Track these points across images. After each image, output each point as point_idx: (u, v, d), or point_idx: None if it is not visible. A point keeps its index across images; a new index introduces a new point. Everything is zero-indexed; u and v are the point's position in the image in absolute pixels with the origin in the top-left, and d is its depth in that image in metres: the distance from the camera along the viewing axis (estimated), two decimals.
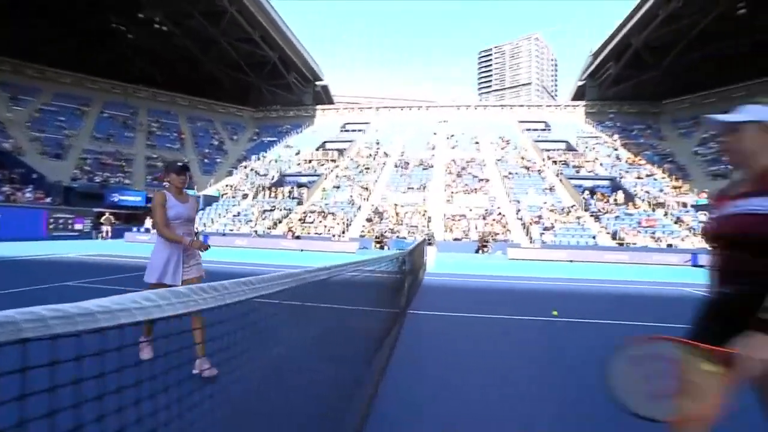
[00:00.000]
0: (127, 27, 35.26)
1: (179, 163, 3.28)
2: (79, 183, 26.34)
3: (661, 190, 24.59)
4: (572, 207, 22.69)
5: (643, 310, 6.51)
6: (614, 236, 19.45)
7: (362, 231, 21.30)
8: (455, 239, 20.36)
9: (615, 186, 25.33)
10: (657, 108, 38.37)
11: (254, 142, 40.24)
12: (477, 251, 19.13)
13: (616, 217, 21.22)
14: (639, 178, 26.58)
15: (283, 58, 38.96)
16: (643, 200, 22.90)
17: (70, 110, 33.47)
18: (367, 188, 26.35)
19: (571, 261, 16.84)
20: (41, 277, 7.56)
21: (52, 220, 20.53)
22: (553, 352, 4.05)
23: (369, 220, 22.40)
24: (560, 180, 26.68)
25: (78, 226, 21.92)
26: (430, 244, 14.90)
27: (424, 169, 29.54)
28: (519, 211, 22.61)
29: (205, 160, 35.72)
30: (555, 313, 5.77)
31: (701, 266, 14.95)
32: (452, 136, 36.29)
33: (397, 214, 22.71)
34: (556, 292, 8.22)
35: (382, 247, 19.68)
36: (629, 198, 22.97)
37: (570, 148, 32.45)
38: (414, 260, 8.34)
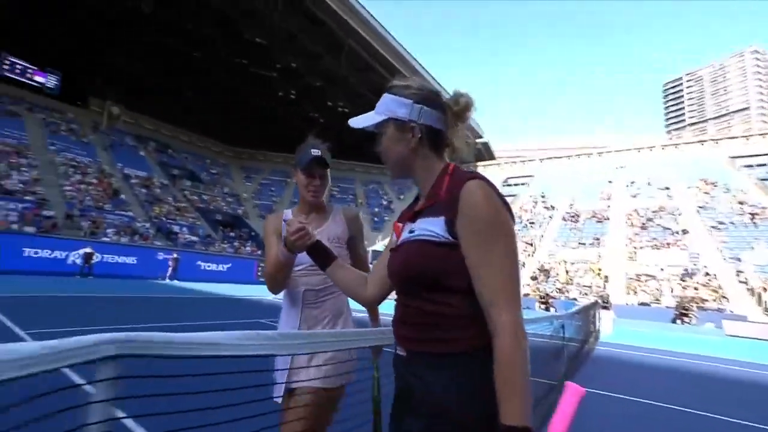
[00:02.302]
0: (320, 113, 44.01)
1: (313, 150, 1.75)
2: None
3: None
4: None
5: None
6: None
7: (526, 290, 19.73)
8: (641, 303, 16.84)
9: None
10: None
11: None
12: (674, 321, 15.29)
13: None
14: None
15: None
16: None
17: (278, 182, 43.04)
18: (531, 244, 24.70)
19: None
20: (245, 314, 9.51)
21: (260, 268, 25.86)
22: None
23: (534, 278, 20.72)
24: None
25: None
26: (605, 307, 12.73)
27: (597, 221, 26.08)
28: (740, 272, 17.37)
29: (375, 219, 39.92)
30: None
31: None
32: (633, 183, 31.34)
33: (566, 272, 20.39)
34: None
35: (547, 309, 17.72)
36: None
37: None
38: (580, 326, 7.25)
